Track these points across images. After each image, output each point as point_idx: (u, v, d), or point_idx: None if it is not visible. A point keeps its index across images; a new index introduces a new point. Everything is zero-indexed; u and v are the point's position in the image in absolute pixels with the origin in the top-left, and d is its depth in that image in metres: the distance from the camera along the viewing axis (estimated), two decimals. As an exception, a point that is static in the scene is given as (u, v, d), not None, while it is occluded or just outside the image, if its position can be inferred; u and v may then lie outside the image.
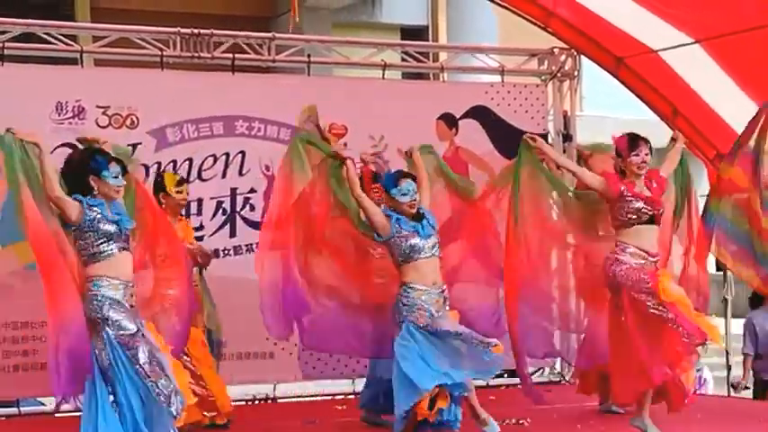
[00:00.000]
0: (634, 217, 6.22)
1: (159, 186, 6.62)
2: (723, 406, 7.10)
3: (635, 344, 6.14)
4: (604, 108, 14.81)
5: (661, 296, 6.10)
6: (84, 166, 5.29)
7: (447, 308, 6.15)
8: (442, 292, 6.10)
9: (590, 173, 6.45)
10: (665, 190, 6.44)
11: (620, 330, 6.25)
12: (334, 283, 6.38)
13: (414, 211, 6.08)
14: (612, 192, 6.25)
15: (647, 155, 6.28)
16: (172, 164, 7.81)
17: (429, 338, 5.95)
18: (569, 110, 9.15)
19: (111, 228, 5.25)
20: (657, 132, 10.14)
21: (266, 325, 6.39)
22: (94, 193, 5.28)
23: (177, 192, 6.60)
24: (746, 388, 8.78)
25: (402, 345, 5.96)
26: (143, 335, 5.23)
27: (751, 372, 8.71)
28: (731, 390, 8.80)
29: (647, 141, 6.32)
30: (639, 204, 6.22)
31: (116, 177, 5.30)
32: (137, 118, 7.80)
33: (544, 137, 8.96)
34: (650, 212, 6.23)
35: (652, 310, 6.12)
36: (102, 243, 5.23)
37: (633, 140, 6.29)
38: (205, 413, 6.45)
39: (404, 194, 6.04)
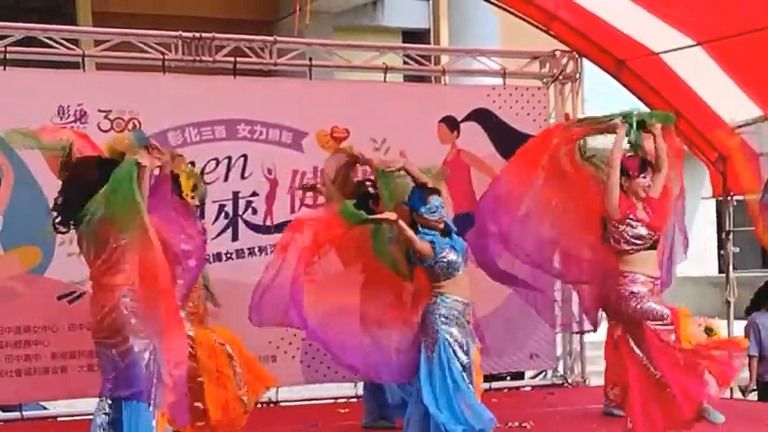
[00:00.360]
0: (639, 243, 6.18)
1: (175, 184, 6.50)
2: (726, 408, 7.07)
3: (670, 372, 6.07)
4: (606, 110, 14.79)
5: (683, 344, 6.10)
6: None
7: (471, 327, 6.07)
8: (471, 305, 6.05)
9: (617, 180, 6.20)
10: (665, 215, 6.38)
11: (645, 366, 6.20)
12: (339, 299, 6.29)
13: (442, 225, 5.98)
14: (620, 211, 6.21)
15: (652, 179, 6.28)
16: (174, 167, 7.80)
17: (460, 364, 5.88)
18: (571, 112, 9.15)
19: None
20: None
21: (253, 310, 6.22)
22: None
23: (193, 197, 6.39)
24: (754, 390, 8.76)
25: (437, 365, 5.85)
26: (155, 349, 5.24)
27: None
28: (741, 394, 8.78)
29: (653, 167, 6.33)
30: (644, 231, 6.19)
31: None
32: (138, 122, 7.80)
33: (546, 139, 9.00)
34: (653, 238, 6.23)
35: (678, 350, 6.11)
36: None
37: (643, 163, 6.29)
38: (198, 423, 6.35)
39: (433, 212, 5.92)
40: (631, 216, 6.17)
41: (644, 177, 6.22)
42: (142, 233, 5.15)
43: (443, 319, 5.87)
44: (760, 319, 8.64)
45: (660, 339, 6.10)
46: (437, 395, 5.78)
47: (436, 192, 6.03)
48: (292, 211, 8.23)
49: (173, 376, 5.17)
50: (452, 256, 5.91)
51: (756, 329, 8.61)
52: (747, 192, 8.71)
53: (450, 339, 5.84)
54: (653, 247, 6.22)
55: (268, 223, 8.16)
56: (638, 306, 6.12)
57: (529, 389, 9.07)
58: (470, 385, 5.86)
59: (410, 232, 5.89)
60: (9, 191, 7.40)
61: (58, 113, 7.59)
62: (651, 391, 6.16)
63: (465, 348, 5.89)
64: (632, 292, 6.14)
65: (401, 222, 5.89)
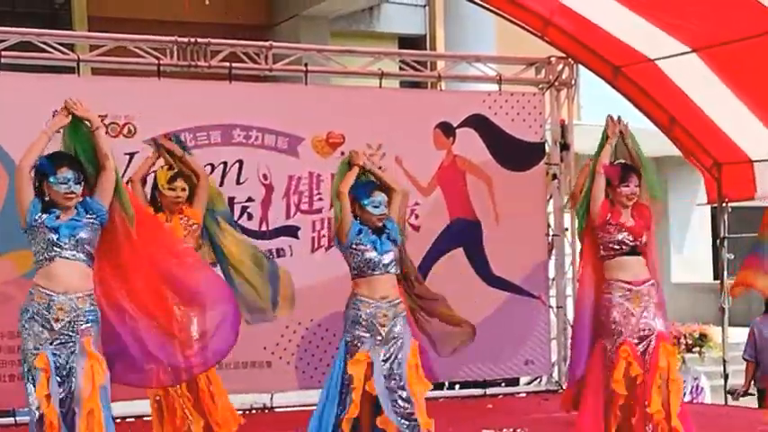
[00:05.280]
0: (618, 248, 6.21)
1: (154, 184, 6.49)
2: (720, 414, 7.09)
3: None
4: (602, 117, 14.81)
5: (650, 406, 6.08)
6: (37, 169, 5.23)
7: (403, 323, 5.89)
8: (394, 305, 5.86)
9: (602, 186, 6.28)
10: (650, 222, 6.38)
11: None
12: None
13: (380, 224, 5.90)
14: (600, 218, 6.23)
15: (636, 186, 6.27)
16: (169, 173, 7.78)
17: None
18: (567, 119, 9.16)
19: (52, 236, 5.15)
20: (655, 141, 10.19)
21: None
22: (46, 198, 5.21)
23: (170, 189, 6.37)
24: (749, 394, 8.75)
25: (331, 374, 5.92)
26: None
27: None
28: (729, 397, 8.78)
29: (638, 173, 6.32)
30: (621, 236, 6.21)
31: (63, 183, 5.18)
32: (134, 127, 7.79)
33: (541, 145, 9.01)
34: (632, 243, 6.23)
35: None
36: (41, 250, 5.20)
37: (624, 171, 6.29)
38: None
39: (375, 207, 5.86)
40: (611, 222, 6.19)
41: (626, 186, 6.24)
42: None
43: (350, 323, 5.84)
44: (759, 326, 8.64)
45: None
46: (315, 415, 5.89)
47: (383, 189, 5.95)
48: (288, 217, 8.23)
49: None
50: (369, 254, 5.81)
51: (754, 334, 8.61)
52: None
53: (349, 349, 5.81)
54: (633, 252, 6.23)
55: (264, 229, 8.15)
56: (613, 320, 6.16)
57: (524, 395, 9.06)
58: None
59: (350, 180, 5.89)
60: (3, 194, 7.39)
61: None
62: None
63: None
64: (609, 301, 6.18)
65: (361, 166, 5.92)
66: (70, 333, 5.11)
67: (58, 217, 5.18)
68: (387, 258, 5.85)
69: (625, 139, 6.41)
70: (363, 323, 5.80)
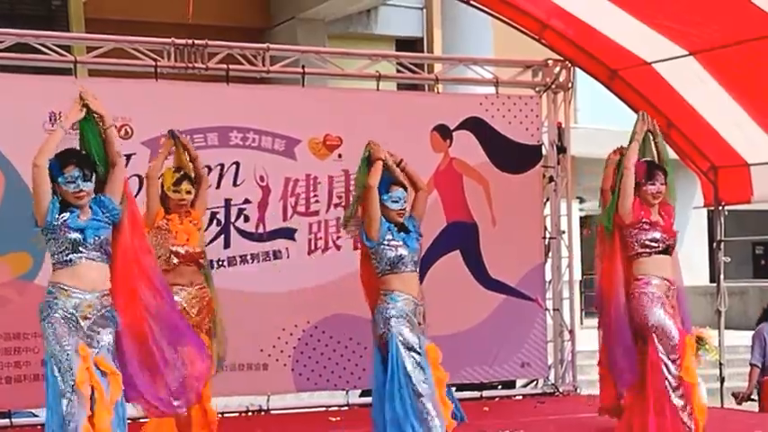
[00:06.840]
0: (654, 245, 6.17)
1: (162, 184, 6.41)
2: (716, 417, 7.09)
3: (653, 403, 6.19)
4: (598, 120, 14.87)
5: (682, 374, 6.11)
6: (50, 170, 5.16)
7: (426, 327, 5.97)
8: (420, 303, 5.95)
9: (632, 183, 6.20)
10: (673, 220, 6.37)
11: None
12: None
13: (401, 220, 5.99)
14: (634, 216, 6.20)
15: (662, 185, 6.22)
16: (166, 174, 7.77)
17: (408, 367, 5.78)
18: (563, 121, 9.17)
19: (77, 236, 5.08)
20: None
21: None
22: (60, 198, 5.14)
23: (175, 191, 6.32)
24: (752, 399, 8.75)
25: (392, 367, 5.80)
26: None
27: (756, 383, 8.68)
28: (733, 401, 8.78)
29: (665, 172, 6.28)
30: (658, 234, 6.18)
31: (71, 182, 5.11)
32: (131, 128, 7.78)
33: (538, 148, 9.01)
34: (667, 242, 6.20)
35: (666, 380, 6.13)
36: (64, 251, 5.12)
37: (651, 169, 6.25)
38: None
39: (394, 202, 5.96)
40: (645, 220, 6.15)
41: (652, 184, 6.20)
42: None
43: (395, 319, 5.81)
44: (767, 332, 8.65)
45: (661, 364, 6.11)
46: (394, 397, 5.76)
47: (402, 186, 6.02)
48: (285, 219, 8.23)
49: None
50: (402, 251, 5.88)
51: (763, 340, 8.62)
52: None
53: (401, 339, 5.77)
54: (667, 251, 6.20)
55: (260, 231, 8.14)
56: (648, 313, 6.10)
57: (520, 398, 9.06)
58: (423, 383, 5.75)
59: (377, 174, 5.92)
60: (0, 196, 7.38)
61: (50, 120, 7.56)
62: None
63: (417, 347, 5.81)
64: (644, 293, 6.13)
65: (383, 163, 5.97)
66: (96, 331, 5.08)
67: (78, 217, 5.12)
68: (416, 256, 5.97)
69: (655, 137, 6.40)
70: (407, 317, 5.83)
